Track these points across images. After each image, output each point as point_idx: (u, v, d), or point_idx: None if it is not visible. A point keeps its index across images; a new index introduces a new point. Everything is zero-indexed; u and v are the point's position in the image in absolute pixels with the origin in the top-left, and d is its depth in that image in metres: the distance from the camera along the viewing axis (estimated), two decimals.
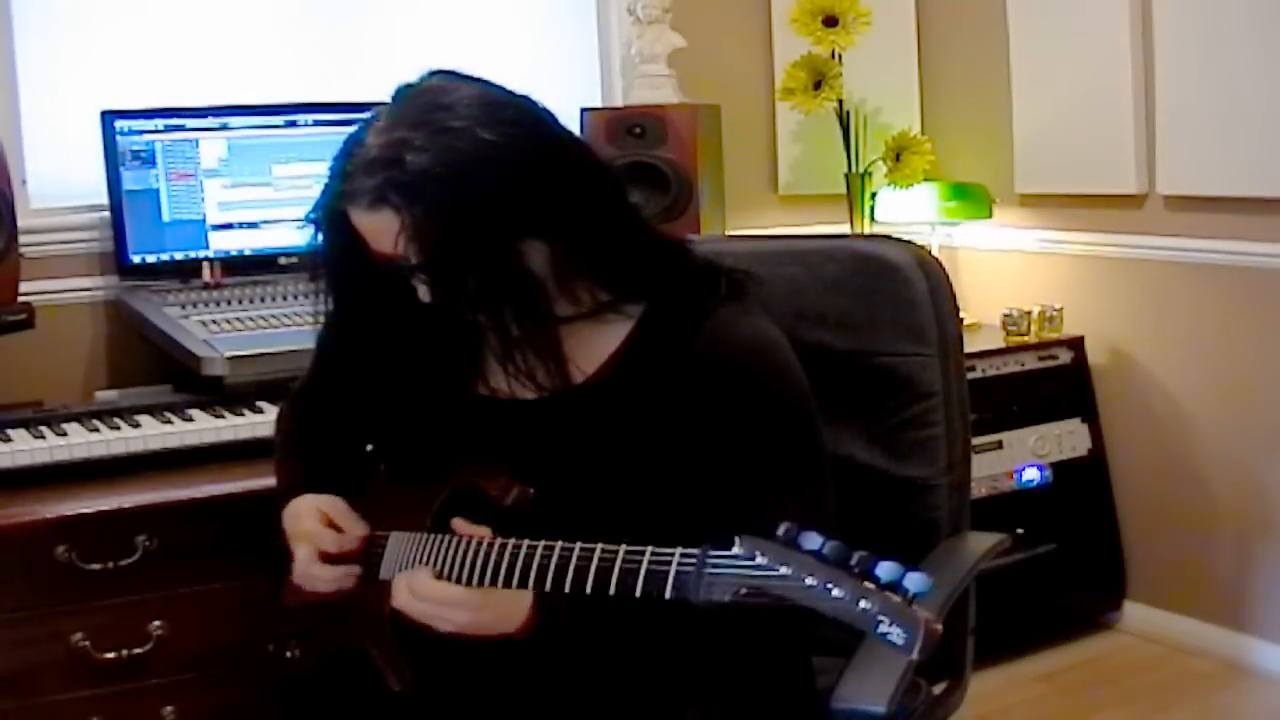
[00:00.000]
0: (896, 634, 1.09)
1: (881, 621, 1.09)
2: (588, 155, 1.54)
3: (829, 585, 1.12)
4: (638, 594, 1.27)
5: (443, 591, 1.39)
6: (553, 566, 1.34)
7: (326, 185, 1.47)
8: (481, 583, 1.39)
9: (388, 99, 1.47)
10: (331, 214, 1.47)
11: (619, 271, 1.52)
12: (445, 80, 1.48)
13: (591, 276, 1.51)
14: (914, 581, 1.10)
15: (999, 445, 3.10)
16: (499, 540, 1.40)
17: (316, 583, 1.57)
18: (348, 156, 1.44)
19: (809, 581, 1.14)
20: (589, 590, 1.30)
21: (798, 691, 1.59)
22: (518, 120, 1.45)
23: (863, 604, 1.10)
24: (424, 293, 1.47)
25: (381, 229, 1.42)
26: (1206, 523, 3.07)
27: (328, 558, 1.56)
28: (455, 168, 1.39)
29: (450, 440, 1.57)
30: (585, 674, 1.44)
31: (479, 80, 1.49)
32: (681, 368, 1.48)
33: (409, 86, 1.48)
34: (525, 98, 1.50)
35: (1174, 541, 3.16)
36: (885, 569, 1.11)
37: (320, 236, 1.51)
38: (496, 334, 1.45)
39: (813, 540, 1.15)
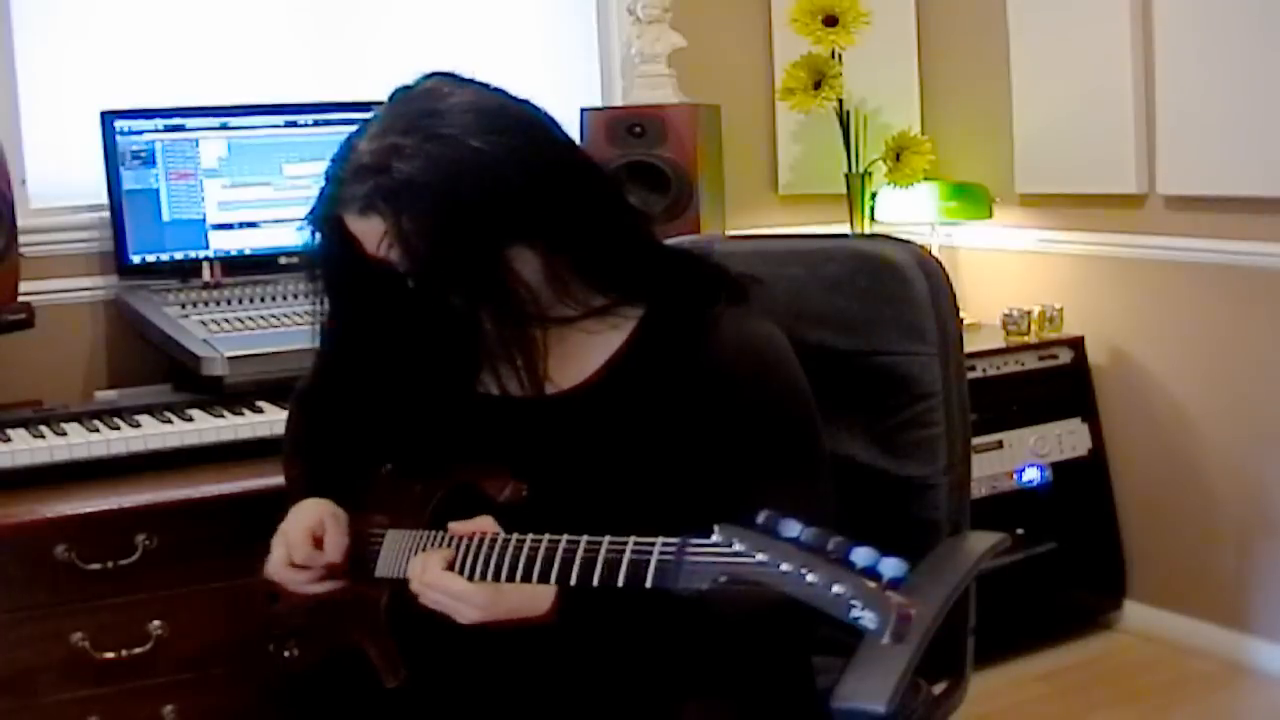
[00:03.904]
0: (869, 618, 1.09)
1: (854, 606, 1.09)
2: (584, 160, 1.54)
3: (803, 571, 1.13)
4: (620, 583, 1.28)
5: (450, 584, 1.39)
6: (539, 559, 1.34)
7: (322, 190, 1.48)
8: (483, 578, 1.38)
9: (386, 100, 1.48)
10: (327, 218, 1.49)
11: (617, 275, 1.53)
12: (442, 83, 1.48)
13: (589, 280, 1.51)
14: (889, 566, 1.10)
15: (999, 445, 3.09)
16: (488, 535, 1.40)
17: (288, 584, 1.58)
18: (342, 162, 1.45)
19: (784, 567, 1.14)
20: (574, 581, 1.31)
21: (797, 691, 1.59)
22: (511, 128, 1.45)
23: (835, 589, 1.10)
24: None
25: (372, 235, 1.44)
26: (1206, 523, 3.07)
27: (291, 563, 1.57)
28: (441, 176, 1.40)
29: (451, 438, 1.57)
30: (585, 668, 1.44)
31: (476, 84, 1.49)
32: (681, 368, 1.49)
33: (405, 89, 1.49)
34: (525, 103, 1.50)
35: (1174, 541, 3.16)
36: (860, 554, 1.11)
37: (317, 239, 1.52)
38: (487, 335, 1.47)
39: (791, 528, 1.15)
